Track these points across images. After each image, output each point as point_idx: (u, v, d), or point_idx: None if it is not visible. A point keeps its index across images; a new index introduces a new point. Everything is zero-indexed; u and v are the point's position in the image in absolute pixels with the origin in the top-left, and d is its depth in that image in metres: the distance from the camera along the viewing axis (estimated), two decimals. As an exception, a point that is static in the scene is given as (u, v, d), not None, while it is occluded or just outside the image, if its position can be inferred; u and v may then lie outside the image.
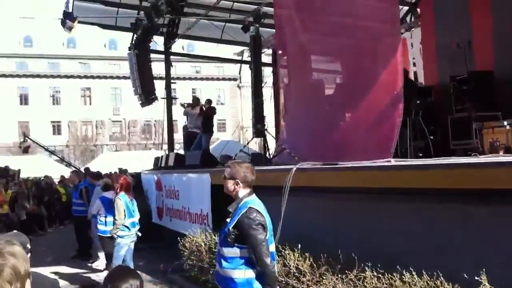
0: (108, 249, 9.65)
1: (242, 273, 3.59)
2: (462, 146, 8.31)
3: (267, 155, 9.42)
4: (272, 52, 15.33)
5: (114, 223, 7.73)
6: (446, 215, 4.41)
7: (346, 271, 4.73)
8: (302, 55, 9.31)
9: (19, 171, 19.08)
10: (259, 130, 9.05)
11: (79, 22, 14.05)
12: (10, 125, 49.61)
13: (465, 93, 8.33)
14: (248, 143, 9.42)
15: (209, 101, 14.19)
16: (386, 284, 4.27)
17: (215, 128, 14.64)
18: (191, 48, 46.89)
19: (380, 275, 4.39)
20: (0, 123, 49.38)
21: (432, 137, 8.85)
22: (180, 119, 17.54)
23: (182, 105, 15.08)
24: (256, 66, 9.40)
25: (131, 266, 7.74)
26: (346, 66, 8.30)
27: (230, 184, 3.78)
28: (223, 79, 59.95)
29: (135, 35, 16.06)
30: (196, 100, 15.00)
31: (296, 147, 8.48)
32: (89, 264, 10.51)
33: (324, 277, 4.89)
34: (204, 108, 13.86)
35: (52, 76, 53.91)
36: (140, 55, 16.02)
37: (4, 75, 51.51)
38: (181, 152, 14.97)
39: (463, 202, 4.25)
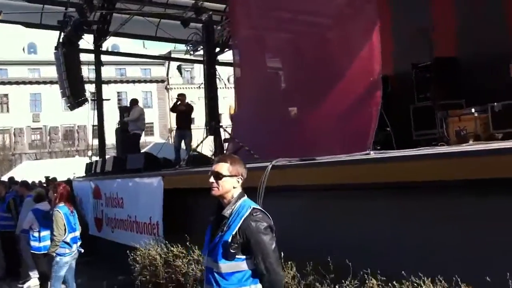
0: (42, 268, 8.53)
1: (249, 290, 2.89)
2: (425, 136, 8.01)
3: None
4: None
5: (51, 239, 6.64)
6: (441, 210, 3.90)
7: (342, 280, 4.09)
8: (257, 45, 8.71)
9: None
10: (213, 127, 8.24)
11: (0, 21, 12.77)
12: None
13: (428, 81, 8.01)
14: (201, 142, 8.60)
15: (183, 96, 13.11)
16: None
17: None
18: (115, 49, 45.19)
19: (385, 284, 3.78)
20: None
21: (388, 129, 8.51)
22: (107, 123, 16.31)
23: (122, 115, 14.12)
24: (210, 57, 8.59)
25: (73, 286, 6.75)
26: (307, 54, 7.74)
27: (229, 183, 3.01)
28: (150, 81, 58.38)
29: (62, 33, 14.81)
30: (134, 101, 13.81)
31: (255, 144, 7.84)
32: (20, 286, 9.26)
33: (314, 289, 4.22)
34: (179, 103, 12.74)
35: (-34, 82, 50.14)
36: (68, 55, 14.82)
37: None
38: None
39: (460, 194, 3.74)
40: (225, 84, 18.28)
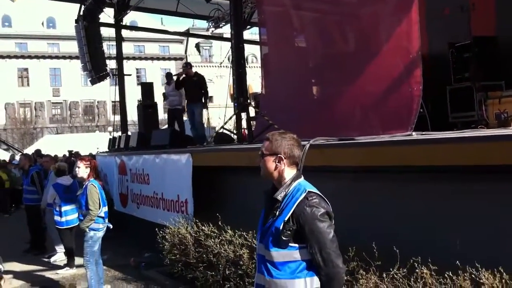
0: (68, 243, 8.60)
1: (303, 283, 2.62)
2: (462, 119, 7.70)
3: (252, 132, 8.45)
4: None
5: (86, 214, 6.48)
6: (500, 195, 3.65)
7: (391, 269, 3.90)
8: (286, 22, 8.45)
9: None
10: (242, 104, 8.01)
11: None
12: None
13: (466, 61, 7.70)
14: (230, 119, 8.39)
15: (190, 65, 11.55)
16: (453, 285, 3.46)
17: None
18: (134, 25, 45.03)
19: (437, 274, 3.59)
20: None
21: (422, 110, 8.26)
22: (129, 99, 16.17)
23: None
24: (237, 31, 8.29)
25: (100, 263, 6.67)
26: (339, 30, 7.46)
27: (270, 162, 2.76)
28: (169, 58, 58.23)
29: (82, 6, 14.62)
30: (169, 76, 13.25)
31: (284, 123, 7.63)
32: (46, 259, 9.27)
33: (358, 275, 4.05)
34: (185, 74, 11.15)
35: (-14, 56, 50.51)
36: (89, 28, 14.64)
37: None
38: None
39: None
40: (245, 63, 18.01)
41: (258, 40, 10.45)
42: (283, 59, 9.11)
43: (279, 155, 2.76)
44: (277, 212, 2.70)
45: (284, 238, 2.61)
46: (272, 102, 9.07)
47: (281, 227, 2.63)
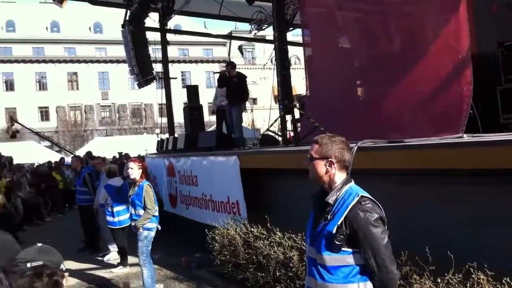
0: (121, 242, 8.87)
1: (356, 288, 2.68)
2: (514, 120, 7.50)
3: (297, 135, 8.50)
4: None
5: (134, 214, 6.72)
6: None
7: (445, 274, 3.87)
8: (329, 23, 8.46)
9: (11, 158, 18.01)
10: (287, 106, 8.05)
11: (69, -2, 13.09)
12: (-4, 112, 48.51)
13: (518, 60, 7.48)
14: (275, 121, 8.44)
15: (232, 64, 11.24)
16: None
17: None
18: (178, 29, 45.80)
19: (494, 280, 3.53)
20: (-14, 110, 48.65)
21: (471, 111, 8.07)
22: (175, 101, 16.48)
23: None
24: (281, 33, 8.32)
25: (150, 262, 6.87)
26: (384, 30, 7.41)
27: (321, 166, 2.78)
28: (212, 61, 58.90)
29: (128, 11, 15.04)
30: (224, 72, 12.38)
31: (330, 125, 7.65)
32: (100, 258, 9.62)
33: (412, 280, 4.03)
34: (228, 74, 10.83)
35: (37, 61, 52.64)
36: (136, 32, 15.03)
37: (-13, 60, 50.08)
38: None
39: None
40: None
41: (301, 42, 10.45)
42: (327, 60, 9.10)
43: (329, 159, 2.78)
44: (329, 215, 2.72)
45: (337, 243, 2.63)
46: (317, 103, 9.08)
47: (334, 231, 2.65)
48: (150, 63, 15.75)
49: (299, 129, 8.88)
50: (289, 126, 10.10)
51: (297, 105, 9.50)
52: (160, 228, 7.00)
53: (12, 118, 30.07)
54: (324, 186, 2.86)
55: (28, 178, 16.18)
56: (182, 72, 54.17)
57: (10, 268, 2.32)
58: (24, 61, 51.90)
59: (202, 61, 58.80)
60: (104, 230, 9.62)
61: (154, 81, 15.96)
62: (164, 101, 15.63)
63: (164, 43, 16.16)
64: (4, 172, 14.53)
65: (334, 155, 2.79)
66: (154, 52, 16.08)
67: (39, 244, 2.39)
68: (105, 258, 9.50)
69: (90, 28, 55.90)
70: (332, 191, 2.78)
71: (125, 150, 21.82)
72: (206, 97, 16.76)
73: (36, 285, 2.07)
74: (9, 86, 51.91)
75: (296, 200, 6.28)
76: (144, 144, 23.71)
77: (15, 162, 19.29)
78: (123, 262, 8.75)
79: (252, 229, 6.21)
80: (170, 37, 16.62)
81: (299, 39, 11.90)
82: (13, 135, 26.10)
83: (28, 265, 2.18)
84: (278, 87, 8.42)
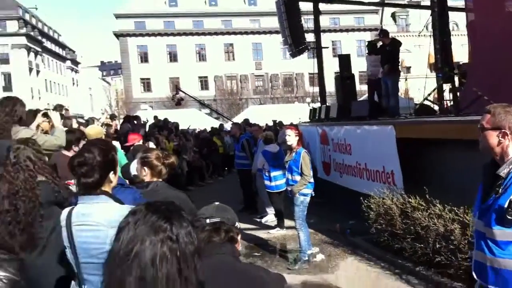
0: (277, 206, 9.29)
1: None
2: None
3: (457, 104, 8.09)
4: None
5: (290, 180, 7.04)
6: None
7: None
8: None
9: (177, 123, 19.64)
10: (447, 74, 7.66)
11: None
12: (162, 81, 53.33)
13: None
14: (434, 90, 8.11)
15: (384, 33, 10.94)
16: None
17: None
18: (323, -1, 45.19)
19: None
20: (153, 80, 54.37)
21: None
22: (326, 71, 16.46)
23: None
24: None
25: (307, 225, 7.14)
26: None
27: (493, 137, 2.67)
28: (364, 29, 57.36)
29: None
30: (370, 45, 12.82)
31: (495, 94, 7.16)
32: (258, 220, 10.22)
33: None
34: (382, 43, 10.61)
35: (197, 34, 56.03)
36: (289, 3, 15.27)
37: (153, 34, 54.58)
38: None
39: None
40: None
41: (462, 7, 9.81)
42: (493, 25, 8.47)
43: (503, 130, 2.67)
44: (500, 189, 2.63)
45: (509, 217, 2.54)
46: (481, 71, 8.53)
47: (505, 206, 2.56)
48: (303, 33, 15.91)
49: (458, 98, 8.44)
50: (446, 95, 9.65)
51: (458, 73, 8.99)
52: (314, 195, 7.19)
53: (177, 86, 32.36)
54: (495, 158, 2.75)
55: (192, 143, 17.56)
56: (332, 41, 53.61)
57: (193, 223, 2.61)
58: (185, 33, 55.66)
59: (353, 30, 57.53)
60: (262, 194, 10.13)
61: (306, 51, 16.12)
62: (316, 71, 15.76)
63: (317, 13, 16.21)
64: (171, 136, 15.92)
65: (508, 125, 2.67)
66: (306, 22, 16.22)
67: (217, 203, 2.51)
68: (263, 220, 10.05)
69: (245, 1, 57.81)
70: (505, 164, 2.68)
71: (278, 118, 22.48)
72: (358, 66, 16.48)
73: (214, 239, 2.26)
74: (173, 57, 56.23)
75: (456, 172, 6.07)
76: (295, 113, 24.15)
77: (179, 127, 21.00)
78: (280, 224, 9.20)
79: (410, 199, 6.14)
80: (321, 6, 16.56)
81: (459, 3, 11.11)
82: (178, 103, 28.02)
83: (208, 221, 2.31)
84: (435, 55, 8.04)
